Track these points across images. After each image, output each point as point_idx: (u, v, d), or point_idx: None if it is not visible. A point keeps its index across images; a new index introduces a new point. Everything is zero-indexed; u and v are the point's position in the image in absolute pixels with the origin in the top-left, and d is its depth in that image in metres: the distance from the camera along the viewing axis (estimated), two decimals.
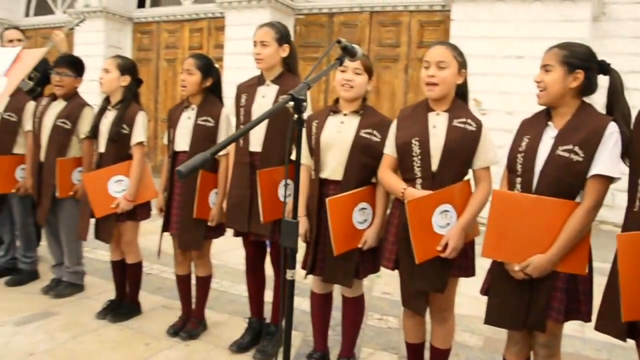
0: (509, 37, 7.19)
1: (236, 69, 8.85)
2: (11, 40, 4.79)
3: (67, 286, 4.08)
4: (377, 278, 4.49)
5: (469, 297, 3.31)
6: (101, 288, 4.24)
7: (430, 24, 8.54)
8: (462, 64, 2.52)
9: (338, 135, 2.73)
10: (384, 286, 4.52)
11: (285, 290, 1.72)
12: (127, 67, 3.59)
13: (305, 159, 2.84)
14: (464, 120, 2.48)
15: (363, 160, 2.69)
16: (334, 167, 2.72)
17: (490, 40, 7.29)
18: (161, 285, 4.44)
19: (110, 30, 10.85)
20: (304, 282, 3.10)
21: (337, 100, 2.84)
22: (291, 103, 1.63)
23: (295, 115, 1.64)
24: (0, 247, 4.51)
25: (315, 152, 2.77)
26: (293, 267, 1.72)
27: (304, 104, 1.63)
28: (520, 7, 7.20)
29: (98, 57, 10.54)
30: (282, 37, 3.05)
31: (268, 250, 3.31)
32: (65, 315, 3.69)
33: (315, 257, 2.77)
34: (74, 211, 3.94)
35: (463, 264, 2.52)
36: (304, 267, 2.84)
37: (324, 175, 2.76)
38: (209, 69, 3.34)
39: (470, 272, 2.56)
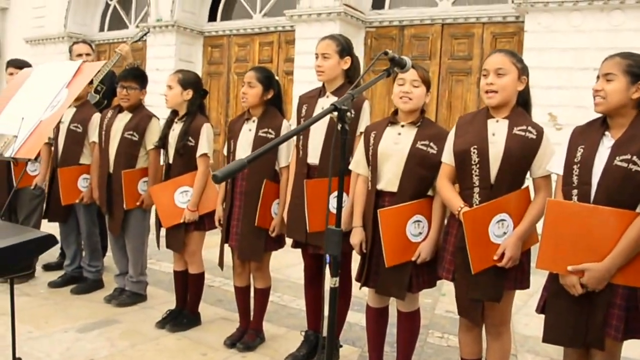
0: (586, 48, 7.05)
1: (306, 82, 9.06)
2: (80, 55, 5.18)
3: (129, 295, 4.33)
4: (442, 296, 4.51)
5: (533, 317, 3.28)
6: (163, 299, 4.46)
7: (503, 35, 8.49)
8: (523, 71, 2.57)
9: (395, 147, 2.82)
10: (447, 304, 4.52)
11: (330, 298, 1.80)
12: (189, 81, 3.82)
13: (363, 169, 2.95)
14: (524, 127, 2.53)
15: (419, 172, 2.77)
16: (390, 179, 2.82)
17: (566, 52, 7.18)
18: (222, 297, 4.62)
19: (182, 44, 11.34)
20: (365, 298, 3.17)
21: (395, 112, 2.92)
22: (335, 113, 1.72)
23: (339, 125, 1.74)
24: (65, 257, 4.84)
25: (372, 163, 2.87)
26: (336, 274, 1.81)
27: (348, 114, 1.73)
28: (598, 16, 7.05)
29: (169, 70, 10.88)
30: (344, 49, 3.18)
31: (327, 263, 3.41)
32: (126, 324, 3.93)
33: (370, 269, 2.86)
34: (140, 221, 4.21)
35: (518, 276, 2.57)
36: (358, 279, 2.94)
37: (380, 186, 2.85)
38: (270, 82, 3.50)
39: (525, 284, 2.60)
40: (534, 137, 2.51)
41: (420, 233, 2.79)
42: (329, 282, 1.86)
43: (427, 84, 2.86)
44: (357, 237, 2.90)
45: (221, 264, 3.64)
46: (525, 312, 4.11)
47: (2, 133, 2.34)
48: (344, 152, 1.81)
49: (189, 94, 3.81)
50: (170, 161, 3.83)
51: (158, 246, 3.99)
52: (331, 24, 9.16)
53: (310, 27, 9.45)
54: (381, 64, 9.24)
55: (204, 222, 3.80)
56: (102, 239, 4.82)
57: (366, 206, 2.90)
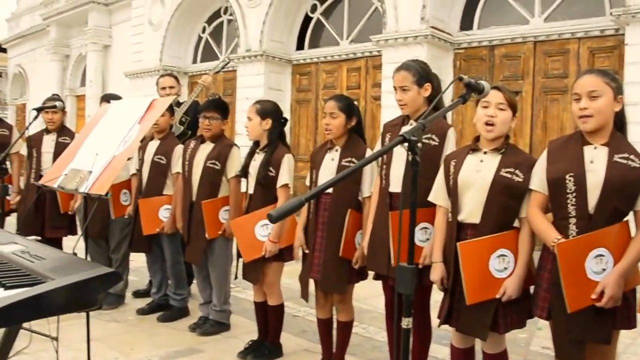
0: None
1: (394, 107, 8.91)
2: (164, 87, 5.36)
3: (213, 324, 4.36)
4: (538, 330, 4.25)
5: None
6: (246, 328, 4.46)
7: (601, 50, 8.02)
8: (618, 90, 2.40)
9: (476, 175, 2.68)
10: (544, 340, 4.24)
11: (399, 339, 1.69)
12: (267, 111, 3.84)
13: (443, 200, 2.81)
14: (626, 155, 2.36)
15: (503, 202, 2.61)
16: (471, 209, 2.67)
17: None
18: (306, 328, 4.57)
19: (270, 73, 11.57)
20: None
21: (477, 138, 2.78)
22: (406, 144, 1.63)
23: (410, 157, 1.64)
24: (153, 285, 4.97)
25: (452, 192, 2.74)
26: (408, 315, 1.70)
27: (419, 145, 1.63)
28: None
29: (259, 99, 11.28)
30: (422, 77, 3.08)
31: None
32: (208, 353, 3.95)
33: (452, 307, 2.71)
34: (223, 250, 4.24)
35: (624, 314, 2.37)
36: (439, 317, 2.78)
37: (461, 217, 2.71)
38: (351, 109, 3.45)
39: (632, 323, 2.39)
40: (638, 165, 2.32)
41: (506, 268, 2.61)
42: (403, 322, 1.74)
43: (513, 107, 2.70)
44: (437, 272, 2.76)
45: (305, 295, 3.59)
46: (633, 351, 3.80)
47: (78, 168, 2.41)
48: (415, 184, 1.70)
49: (268, 123, 3.82)
50: (251, 191, 3.84)
51: (235, 276, 4.01)
52: (418, 47, 9.04)
53: (397, 51, 9.36)
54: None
55: (283, 253, 3.78)
56: (188, 267, 4.90)
57: (447, 239, 2.76)
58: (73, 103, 18.58)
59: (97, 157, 2.31)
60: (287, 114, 11.80)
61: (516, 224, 2.67)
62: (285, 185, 3.76)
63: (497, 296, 2.58)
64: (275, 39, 11.59)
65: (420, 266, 2.88)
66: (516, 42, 8.80)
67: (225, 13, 13.21)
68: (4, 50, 26.09)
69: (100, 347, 3.99)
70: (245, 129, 3.92)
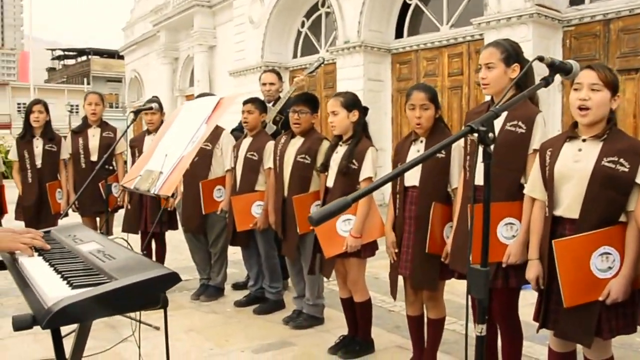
0: None
1: None
2: (264, 84, 5.40)
3: (306, 318, 4.35)
4: None
5: None
6: (340, 322, 4.40)
7: None
8: None
9: (575, 165, 2.44)
10: None
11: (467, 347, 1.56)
12: (352, 103, 3.74)
13: (539, 193, 2.59)
14: None
15: (606, 195, 2.35)
16: (569, 203, 2.43)
17: None
18: (400, 323, 4.45)
19: (369, 64, 11.47)
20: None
21: (575, 124, 2.54)
22: (475, 135, 1.49)
23: (481, 148, 1.50)
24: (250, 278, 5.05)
25: (548, 185, 2.51)
26: (483, 321, 1.57)
27: (490, 135, 1.49)
28: None
29: (359, 91, 11.22)
30: (510, 55, 2.85)
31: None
32: (300, 347, 3.94)
33: (549, 308, 2.49)
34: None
35: None
36: (535, 319, 2.57)
37: (558, 212, 2.47)
38: (436, 99, 3.29)
39: None
40: None
41: (610, 268, 2.35)
42: (476, 329, 1.61)
43: (611, 86, 2.42)
44: (533, 271, 2.55)
45: (394, 293, 3.48)
46: None
47: (151, 169, 2.45)
48: (488, 178, 1.56)
49: (355, 115, 3.73)
50: (330, 184, 3.77)
51: (312, 271, 3.98)
52: (523, 28, 8.61)
53: (500, 34, 8.95)
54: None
55: (360, 250, 3.67)
56: (284, 260, 4.93)
57: (543, 236, 2.54)
58: (183, 103, 19.40)
59: (167, 159, 2.33)
60: (388, 104, 11.70)
61: (623, 218, 2.39)
62: (369, 179, 3.66)
63: (601, 298, 2.34)
64: (373, 29, 11.47)
65: (503, 265, 2.68)
66: (635, 13, 8.11)
67: (322, 6, 13.25)
68: (121, 57, 27.73)
69: (197, 338, 4.11)
70: (331, 123, 3.84)
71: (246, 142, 4.79)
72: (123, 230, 5.07)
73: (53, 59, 62.33)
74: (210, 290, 5.14)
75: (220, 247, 5.07)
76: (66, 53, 59.71)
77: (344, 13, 11.75)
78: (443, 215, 3.21)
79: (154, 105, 4.62)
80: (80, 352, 1.62)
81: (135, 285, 1.46)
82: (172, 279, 1.55)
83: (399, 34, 11.73)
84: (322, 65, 5.26)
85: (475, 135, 1.49)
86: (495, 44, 2.92)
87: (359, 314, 3.85)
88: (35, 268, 1.74)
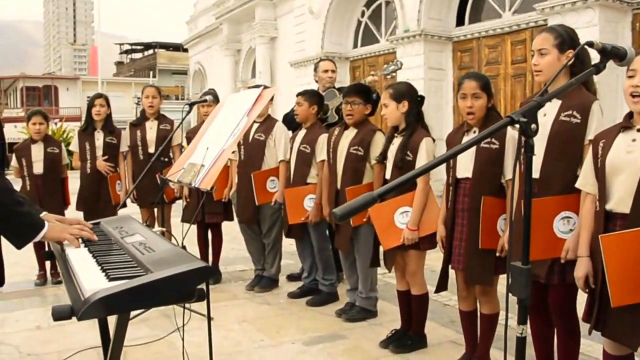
0: None
1: None
2: (326, 70, 5.35)
3: (359, 311, 4.33)
4: None
5: None
6: (394, 315, 4.36)
7: None
8: None
9: (627, 157, 2.30)
10: None
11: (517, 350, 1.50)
12: (402, 93, 3.68)
13: (592, 187, 2.47)
14: None
15: None
16: (621, 197, 2.31)
17: None
18: (455, 318, 4.35)
19: (430, 52, 11.26)
20: None
21: (630, 114, 2.40)
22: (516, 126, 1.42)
23: (523, 140, 1.43)
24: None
25: (599, 177, 2.39)
26: (524, 321, 1.50)
27: (533, 126, 1.42)
28: None
29: (419, 80, 11.05)
30: (564, 41, 2.72)
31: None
32: (351, 340, 3.93)
33: (600, 309, 2.37)
34: (369, 238, 4.16)
35: None
36: (586, 319, 2.45)
37: (609, 206, 2.35)
38: (491, 89, 3.19)
39: None
40: None
41: None
42: (517, 329, 1.54)
43: None
44: (582, 269, 2.43)
45: (444, 286, 3.41)
46: None
47: (194, 162, 2.47)
48: (529, 172, 1.48)
49: (404, 106, 3.67)
50: (388, 177, 3.73)
51: (373, 264, 3.95)
52: (589, 12, 8.24)
53: (565, 19, 8.61)
54: None
55: (420, 241, 3.62)
56: (338, 252, 4.91)
57: (594, 231, 2.42)
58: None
59: (208, 152, 2.34)
60: (449, 93, 11.47)
61: None
62: None
63: None
64: (433, 17, 11.26)
65: (562, 261, 2.58)
66: None
67: None
68: (186, 50, 28.33)
69: (249, 329, 4.15)
70: (383, 116, 3.80)
71: (301, 134, 4.81)
72: (182, 221, 5.17)
73: (121, 53, 64.33)
74: (264, 281, 5.18)
75: (273, 238, 5.10)
76: (133, 47, 61.51)
77: (404, 1, 11.57)
78: (496, 208, 3.11)
79: (209, 97, 4.67)
80: (120, 343, 1.65)
81: (169, 278, 1.47)
82: (207, 272, 1.55)
83: (459, 22, 11.46)
84: (399, 69, 5.13)
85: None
86: (549, 29, 2.80)
87: (414, 307, 3.80)
88: (79, 259, 1.79)
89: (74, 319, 1.45)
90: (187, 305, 3.85)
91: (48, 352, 3.67)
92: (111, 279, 1.55)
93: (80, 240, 1.99)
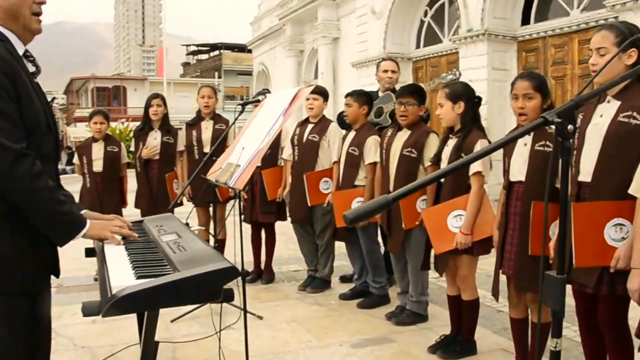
0: None
1: None
2: (385, 70, 5.30)
3: (409, 315, 4.28)
4: None
5: None
6: (445, 320, 4.27)
7: None
8: None
9: None
10: None
11: None
12: (458, 94, 3.60)
13: None
14: None
15: None
16: None
17: None
18: (508, 325, 4.23)
19: (494, 52, 11.00)
20: None
21: None
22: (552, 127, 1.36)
23: (559, 141, 1.36)
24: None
25: None
26: (558, 334, 1.43)
27: (569, 127, 1.34)
28: None
29: (482, 81, 10.83)
30: (626, 40, 2.58)
31: None
32: (399, 344, 3.89)
33: None
34: (420, 241, 4.09)
35: None
36: (637, 334, 2.32)
37: None
38: (547, 88, 3.08)
39: None
40: None
41: None
42: (550, 342, 1.47)
43: None
44: (636, 281, 2.29)
45: (496, 293, 3.32)
46: None
47: (231, 162, 2.48)
48: (566, 176, 1.41)
49: (460, 106, 3.59)
50: (442, 179, 3.66)
51: (423, 267, 3.90)
52: None
53: (637, 16, 8.25)
54: None
55: (473, 246, 3.53)
56: (389, 255, 4.86)
57: None
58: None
59: (243, 152, 2.35)
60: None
61: None
62: (478, 173, 3.51)
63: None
64: (497, 16, 10.99)
65: (612, 270, 2.45)
66: None
67: None
68: (250, 51, 28.73)
69: (298, 329, 4.16)
70: (438, 116, 3.74)
71: (350, 136, 4.79)
72: (243, 221, 5.25)
73: (188, 54, 65.84)
74: (316, 282, 5.19)
75: (326, 240, 5.09)
76: (199, 48, 62.84)
77: (467, 1, 11.34)
78: (549, 214, 2.99)
79: (261, 97, 4.69)
80: (151, 339, 1.67)
81: (194, 277, 1.49)
82: (232, 273, 1.55)
83: (525, 21, 11.14)
84: (456, 79, 5.03)
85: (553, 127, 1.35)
86: (609, 26, 2.66)
87: (465, 313, 3.73)
88: (114, 256, 1.83)
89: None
90: (237, 303, 3.91)
91: (101, 345, 3.78)
92: (139, 277, 1.58)
93: (120, 237, 2.04)
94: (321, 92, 5.09)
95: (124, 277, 1.58)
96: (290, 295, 5.06)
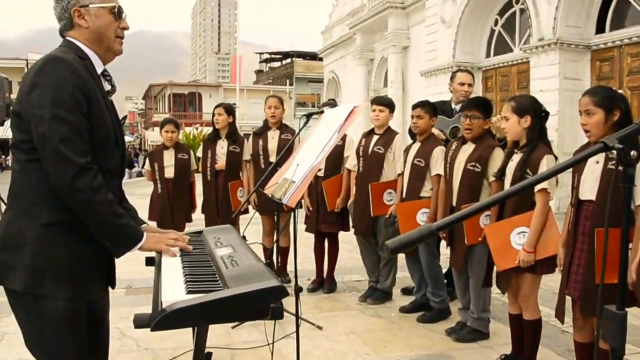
0: None
1: None
2: (462, 83, 5.16)
3: (470, 331, 4.16)
4: None
5: None
6: (507, 338, 4.11)
7: None
8: None
9: None
10: None
11: None
12: (524, 107, 3.49)
13: None
14: None
15: None
16: None
17: None
18: (573, 347, 4.06)
19: (566, 62, 10.64)
20: None
21: None
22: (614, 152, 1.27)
23: (619, 168, 1.28)
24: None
25: None
26: None
27: (632, 152, 1.26)
28: None
29: (553, 91, 10.50)
30: None
31: None
32: None
33: None
34: (483, 257, 3.97)
35: None
36: None
37: None
38: (613, 102, 2.92)
39: None
40: None
41: None
42: None
43: None
44: None
45: (560, 315, 3.17)
46: None
47: (287, 178, 2.47)
48: (628, 202, 1.32)
49: (527, 120, 3.47)
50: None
51: (485, 284, 3.79)
52: None
53: None
54: None
55: (536, 265, 3.39)
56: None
57: None
58: None
59: (298, 168, 2.33)
60: None
61: None
62: (543, 190, 3.37)
63: None
64: (570, 24, 10.63)
65: None
66: None
67: (517, 2, 12.57)
68: (321, 59, 28.95)
69: (356, 341, 4.11)
70: (503, 130, 3.62)
71: (415, 147, 4.70)
72: (306, 230, 5.31)
73: (261, 61, 66.95)
74: (377, 294, 5.12)
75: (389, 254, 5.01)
76: (272, 56, 63.80)
77: (539, 9, 11.02)
78: (618, 237, 2.83)
79: (326, 108, 4.67)
80: (201, 352, 1.69)
81: (242, 295, 1.48)
82: (279, 293, 1.54)
83: (599, 29, 10.71)
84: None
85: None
86: None
87: (526, 333, 3.60)
88: (170, 269, 1.86)
89: None
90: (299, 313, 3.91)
91: (163, 348, 3.86)
92: (189, 292, 1.59)
93: (177, 249, 2.07)
94: (387, 104, 5.03)
95: (174, 291, 1.60)
96: (351, 306, 5.02)
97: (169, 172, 5.67)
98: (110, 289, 2.14)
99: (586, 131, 2.96)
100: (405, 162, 4.74)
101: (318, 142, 2.46)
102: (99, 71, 2.04)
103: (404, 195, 4.69)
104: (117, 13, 2.07)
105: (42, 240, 1.84)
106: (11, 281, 1.85)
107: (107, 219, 1.86)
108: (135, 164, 29.08)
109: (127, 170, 26.94)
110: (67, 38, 2.03)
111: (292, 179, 2.36)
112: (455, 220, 1.22)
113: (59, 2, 2.02)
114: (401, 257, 5.19)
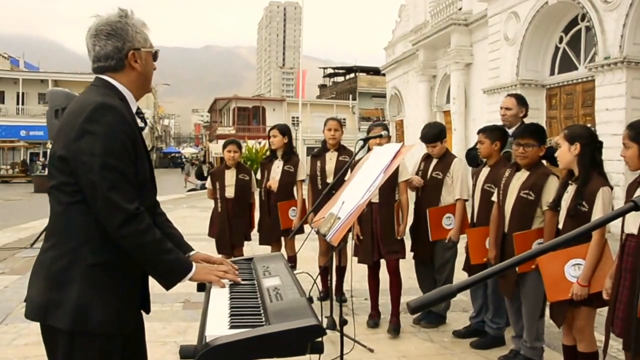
0: None
1: None
2: (501, 108, 5.06)
3: None
4: None
5: None
6: None
7: None
8: None
9: None
10: None
11: None
12: (575, 135, 3.45)
13: None
14: None
15: None
16: None
17: None
18: None
19: (634, 80, 10.30)
20: None
21: None
22: None
23: None
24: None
25: None
26: None
27: None
28: None
29: (620, 110, 10.18)
30: None
31: None
32: None
33: None
34: (538, 285, 3.91)
35: None
36: None
37: None
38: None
39: None
40: None
41: None
42: None
43: None
44: None
45: (605, 350, 3.10)
46: None
47: (333, 213, 2.50)
48: None
49: (576, 148, 3.41)
50: (561, 226, 3.48)
51: (542, 314, 3.68)
52: None
53: None
54: None
55: (592, 298, 3.31)
56: None
57: None
58: (441, 118, 19.59)
59: (343, 205, 2.37)
60: None
61: None
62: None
63: None
64: (638, 42, 10.27)
65: None
66: None
67: (582, 20, 12.25)
68: (383, 75, 28.98)
69: None
70: (558, 158, 3.57)
71: (484, 172, 4.63)
72: (359, 262, 5.07)
73: (325, 76, 67.51)
74: (431, 317, 5.09)
75: (445, 275, 4.98)
76: (336, 71, 64.23)
77: (605, 27, 10.70)
78: None
79: (384, 132, 4.68)
80: None
81: (282, 333, 1.54)
82: (317, 331, 1.59)
83: None
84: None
85: None
86: None
87: None
88: (217, 300, 1.95)
89: None
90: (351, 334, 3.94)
91: None
92: (232, 326, 1.67)
93: (227, 281, 2.15)
94: (438, 136, 4.98)
95: (218, 325, 1.68)
96: (404, 329, 4.99)
97: (230, 192, 5.80)
98: (152, 308, 2.20)
99: (626, 162, 2.94)
100: (474, 185, 4.68)
101: (364, 180, 2.50)
102: (134, 110, 2.06)
103: (474, 220, 4.64)
104: (155, 56, 2.12)
105: (88, 279, 1.88)
106: (56, 319, 1.86)
107: (157, 257, 1.93)
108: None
109: (198, 181, 27.60)
110: (104, 77, 2.03)
111: (338, 215, 2.40)
112: (482, 278, 1.23)
113: (110, 38, 1.98)
114: (457, 278, 5.12)
